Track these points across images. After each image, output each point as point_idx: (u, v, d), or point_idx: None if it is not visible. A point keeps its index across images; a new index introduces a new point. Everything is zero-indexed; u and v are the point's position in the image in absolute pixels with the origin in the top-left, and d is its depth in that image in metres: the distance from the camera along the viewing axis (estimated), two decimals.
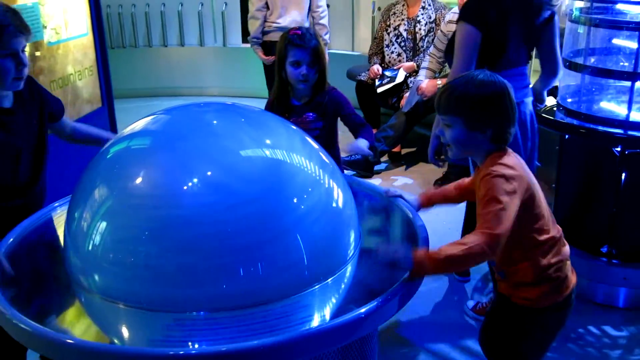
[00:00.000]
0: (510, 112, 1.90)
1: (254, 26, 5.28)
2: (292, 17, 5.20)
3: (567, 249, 2.04)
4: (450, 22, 4.83)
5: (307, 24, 5.22)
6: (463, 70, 2.73)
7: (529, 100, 2.95)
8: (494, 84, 1.88)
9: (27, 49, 2.16)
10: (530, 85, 3.02)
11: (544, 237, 1.94)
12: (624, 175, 3.08)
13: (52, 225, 2.13)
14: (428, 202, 2.21)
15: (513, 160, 1.89)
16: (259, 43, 5.32)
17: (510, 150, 1.95)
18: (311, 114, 2.71)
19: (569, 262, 2.04)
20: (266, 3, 5.20)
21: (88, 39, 4.13)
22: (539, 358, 2.14)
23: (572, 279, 2.04)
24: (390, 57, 5.32)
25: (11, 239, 1.97)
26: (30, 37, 2.13)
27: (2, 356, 2.32)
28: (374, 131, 5.23)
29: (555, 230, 2.00)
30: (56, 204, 2.20)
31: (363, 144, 2.56)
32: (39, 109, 2.31)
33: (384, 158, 5.19)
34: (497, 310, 2.14)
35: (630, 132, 2.96)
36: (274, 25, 5.21)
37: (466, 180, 2.16)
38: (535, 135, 2.97)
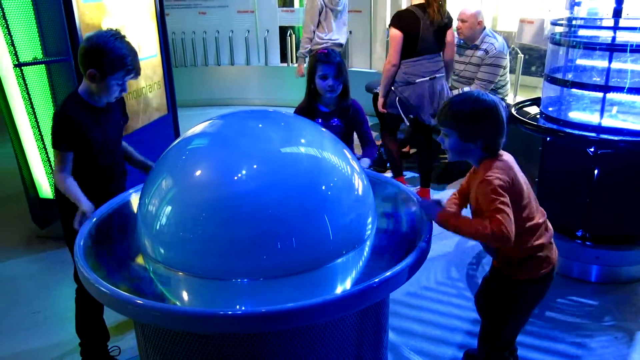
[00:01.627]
0: (499, 126, 1.85)
1: (306, 44, 5.35)
2: (337, 35, 5.39)
3: (550, 232, 2.00)
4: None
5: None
6: (395, 57, 3.93)
7: (441, 76, 4.02)
8: (484, 102, 1.83)
9: None
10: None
11: (529, 223, 1.91)
12: (596, 171, 3.03)
13: (129, 206, 2.14)
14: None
15: (504, 164, 1.86)
16: (305, 57, 5.40)
17: (504, 154, 1.90)
18: (336, 120, 2.70)
19: (552, 244, 2.01)
20: (317, 24, 5.30)
21: (157, 59, 4.16)
22: (522, 321, 2.12)
23: (553, 258, 2.00)
24: None
25: (94, 218, 1.99)
26: (138, 76, 2.20)
27: (84, 311, 2.35)
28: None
29: (540, 216, 1.97)
30: (131, 191, 2.21)
31: (365, 163, 2.56)
32: (121, 112, 2.39)
33: None
34: (490, 280, 2.13)
35: (602, 136, 2.91)
36: (324, 40, 5.28)
37: (462, 184, 2.09)
38: (442, 99, 3.89)
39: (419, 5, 3.90)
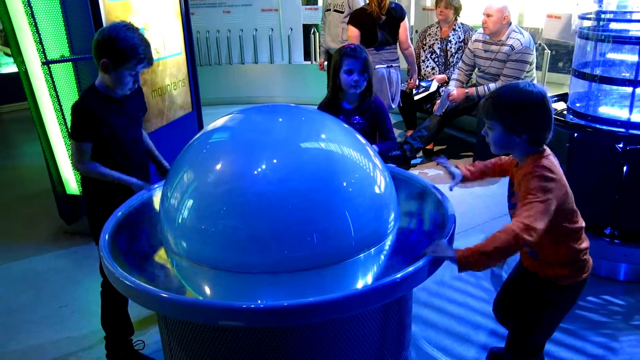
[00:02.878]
0: (545, 118, 1.75)
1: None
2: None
3: (587, 238, 1.95)
4: (476, 40, 4.71)
5: None
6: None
7: (396, 65, 4.66)
8: (531, 93, 1.73)
9: None
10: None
11: (575, 226, 1.86)
12: (625, 168, 2.95)
13: (152, 201, 2.16)
14: (471, 176, 2.12)
15: (551, 163, 1.77)
16: (326, 53, 5.56)
17: (548, 151, 1.81)
18: (358, 117, 2.68)
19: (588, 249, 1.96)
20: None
21: (181, 57, 4.19)
22: (554, 328, 2.06)
23: (590, 263, 1.96)
24: (425, 71, 5.23)
25: (120, 212, 2.01)
26: (151, 66, 2.23)
27: (109, 305, 2.39)
28: (410, 132, 5.16)
29: (581, 219, 1.90)
30: (155, 185, 2.23)
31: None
32: (139, 104, 2.42)
33: (419, 154, 5.10)
34: (522, 284, 2.04)
35: (631, 131, 2.84)
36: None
37: (504, 160, 2.05)
38: (398, 86, 4.72)
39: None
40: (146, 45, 2.16)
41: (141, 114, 2.43)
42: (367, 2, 4.57)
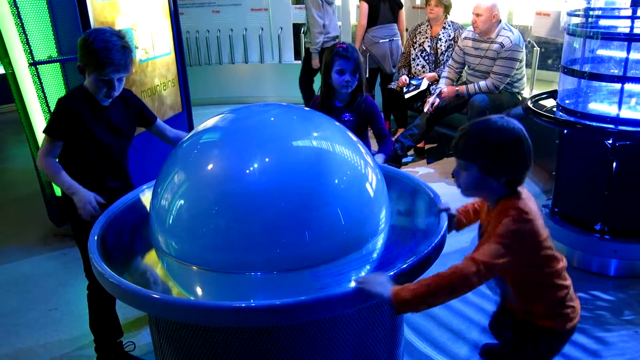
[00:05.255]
0: (526, 159, 1.59)
1: (318, 37, 5.59)
2: (336, 31, 5.87)
3: (570, 279, 1.75)
4: (466, 38, 4.72)
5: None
6: (364, 21, 5.48)
7: (397, 39, 5.57)
8: (511, 131, 1.57)
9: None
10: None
11: (556, 269, 1.67)
12: (614, 163, 2.98)
13: (141, 203, 2.15)
14: (466, 220, 1.92)
15: (526, 205, 1.60)
16: (318, 51, 5.67)
17: (525, 193, 1.65)
18: (347, 114, 2.68)
19: (571, 287, 1.75)
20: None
21: (171, 57, 4.17)
22: None
23: (578, 309, 1.75)
24: (415, 69, 5.24)
25: (107, 215, 1.99)
26: (127, 71, 2.12)
27: (96, 307, 2.37)
28: (401, 130, 5.18)
29: (561, 262, 1.71)
30: (144, 187, 2.22)
31: (379, 158, 2.56)
32: (127, 112, 2.32)
33: (410, 152, 5.11)
34: (504, 318, 1.88)
35: (620, 127, 2.86)
36: (329, 36, 5.71)
37: (479, 205, 1.87)
38: (399, 53, 5.55)
39: None
40: (120, 50, 2.04)
41: (125, 128, 2.30)
42: None
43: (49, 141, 2.13)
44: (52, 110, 3.26)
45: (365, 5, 5.49)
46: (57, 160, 2.16)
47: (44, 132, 2.13)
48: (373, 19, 5.49)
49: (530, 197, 1.67)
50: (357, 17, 6.07)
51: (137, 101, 2.38)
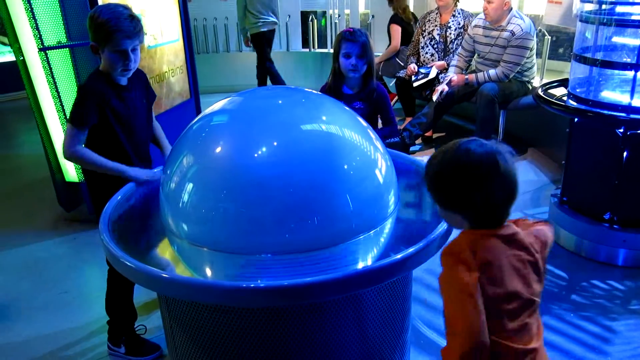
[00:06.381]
0: (495, 190, 1.28)
1: (247, 21, 6.17)
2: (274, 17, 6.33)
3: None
4: (476, 26, 4.70)
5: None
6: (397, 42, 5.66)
7: None
8: (478, 156, 1.27)
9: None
10: None
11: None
12: (625, 152, 2.96)
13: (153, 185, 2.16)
14: None
15: (479, 246, 1.29)
16: (247, 31, 6.27)
17: (510, 229, 1.33)
18: (359, 103, 2.66)
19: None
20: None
21: (179, 44, 4.19)
22: None
23: None
24: (424, 57, 5.22)
25: (119, 197, 2.02)
26: (140, 40, 2.12)
27: (115, 290, 2.40)
28: (409, 119, 5.17)
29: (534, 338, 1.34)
30: (155, 170, 2.23)
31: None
32: (146, 92, 2.36)
33: (418, 141, 5.11)
34: None
35: (632, 116, 2.84)
36: (263, 20, 6.19)
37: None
38: None
39: None
40: (128, 19, 2.04)
41: (147, 102, 2.34)
42: None
43: (75, 130, 2.10)
44: (62, 98, 3.30)
45: (397, 28, 5.69)
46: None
47: (69, 121, 2.11)
48: (409, 39, 5.59)
49: (512, 239, 1.32)
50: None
51: (147, 82, 2.40)
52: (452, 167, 1.30)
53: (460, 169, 1.29)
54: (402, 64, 5.61)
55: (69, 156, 2.13)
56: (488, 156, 1.27)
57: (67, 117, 2.13)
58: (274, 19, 6.36)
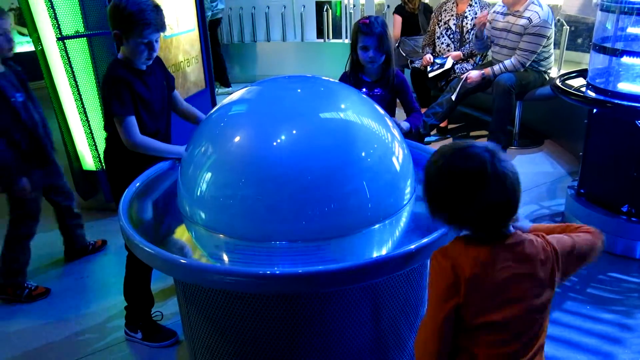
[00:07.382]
0: (488, 201, 1.21)
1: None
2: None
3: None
4: (494, 12, 4.64)
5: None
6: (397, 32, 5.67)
7: None
8: (462, 164, 1.23)
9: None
10: None
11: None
12: None
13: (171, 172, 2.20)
14: None
15: (462, 254, 1.26)
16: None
17: (515, 237, 1.27)
18: (379, 89, 2.66)
19: None
20: None
21: (195, 34, 4.21)
22: None
23: None
24: (440, 47, 5.18)
25: (138, 183, 2.05)
26: (164, 30, 2.19)
27: (134, 276, 2.44)
28: (424, 110, 5.14)
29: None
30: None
31: (404, 125, 2.50)
32: (164, 76, 2.39)
33: (433, 131, 5.09)
34: None
35: None
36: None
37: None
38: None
39: None
40: (154, 10, 2.11)
41: (165, 83, 2.37)
42: None
43: (127, 118, 2.13)
44: (79, 87, 3.33)
45: (398, 18, 5.76)
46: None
47: (116, 114, 2.13)
48: (413, 30, 5.74)
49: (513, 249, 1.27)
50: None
51: (164, 65, 2.45)
52: (439, 188, 1.27)
53: (446, 189, 1.25)
54: (403, 54, 5.60)
55: (135, 147, 2.17)
56: (485, 161, 1.21)
57: (111, 112, 2.15)
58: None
